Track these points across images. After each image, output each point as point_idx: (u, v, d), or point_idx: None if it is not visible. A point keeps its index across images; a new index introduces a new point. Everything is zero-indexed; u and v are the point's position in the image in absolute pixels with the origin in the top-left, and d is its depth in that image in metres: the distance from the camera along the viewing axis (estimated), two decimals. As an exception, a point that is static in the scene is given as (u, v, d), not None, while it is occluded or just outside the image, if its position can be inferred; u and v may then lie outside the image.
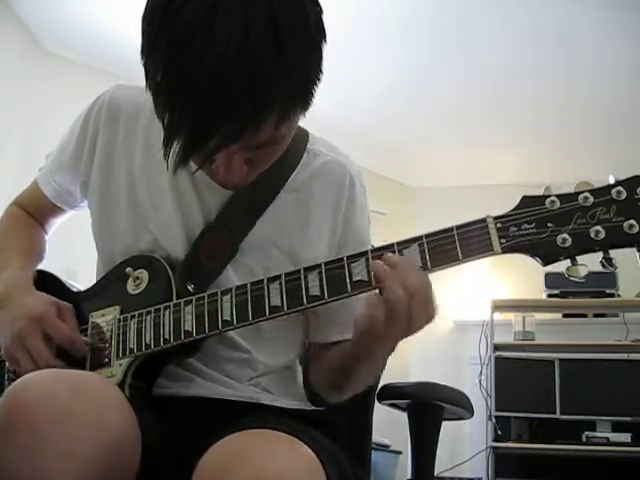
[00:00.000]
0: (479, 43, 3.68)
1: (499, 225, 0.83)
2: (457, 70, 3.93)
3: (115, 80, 1.16)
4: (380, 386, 1.47)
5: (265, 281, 0.92)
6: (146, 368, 1.00)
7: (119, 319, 1.02)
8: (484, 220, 0.83)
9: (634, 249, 0.79)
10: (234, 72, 0.75)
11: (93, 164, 1.10)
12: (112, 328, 1.02)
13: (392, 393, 1.75)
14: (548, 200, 0.82)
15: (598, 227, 0.79)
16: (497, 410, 4.15)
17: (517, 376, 4.24)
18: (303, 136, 1.08)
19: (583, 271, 0.81)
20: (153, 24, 0.79)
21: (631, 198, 0.79)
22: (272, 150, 0.89)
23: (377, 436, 3.18)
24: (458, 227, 0.84)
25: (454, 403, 1.82)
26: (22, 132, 3.66)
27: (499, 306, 4.49)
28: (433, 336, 4.98)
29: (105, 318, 1.03)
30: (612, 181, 0.80)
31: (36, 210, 1.22)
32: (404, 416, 1.89)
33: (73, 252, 2.48)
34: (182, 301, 0.97)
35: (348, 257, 0.89)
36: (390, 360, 1.40)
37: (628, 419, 4.04)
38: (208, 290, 0.98)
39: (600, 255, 0.80)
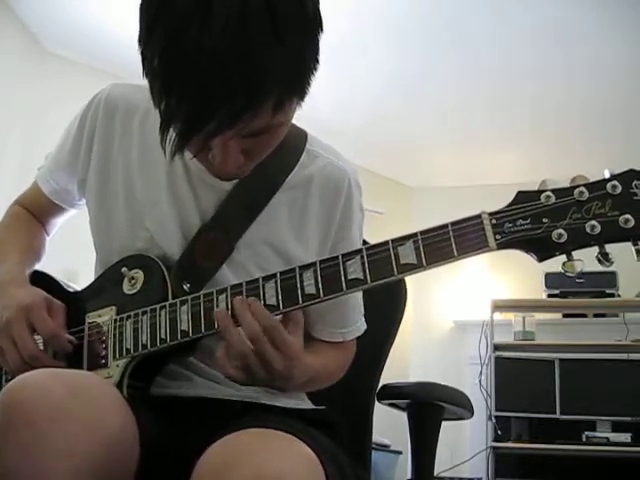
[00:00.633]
0: (476, 43, 3.69)
1: (494, 221, 0.82)
2: (455, 70, 3.94)
3: (115, 80, 1.16)
4: (380, 386, 1.47)
5: (260, 280, 0.91)
6: (143, 368, 1.00)
7: (115, 319, 1.01)
8: (479, 216, 0.83)
9: (630, 244, 0.78)
10: (231, 55, 0.75)
11: (90, 162, 1.10)
12: (108, 328, 1.01)
13: (392, 393, 1.74)
14: (543, 195, 0.81)
15: (594, 222, 0.79)
16: (497, 410, 4.15)
17: (517, 376, 4.25)
18: (302, 136, 1.08)
19: (579, 266, 0.80)
20: (150, 10, 0.79)
21: (626, 192, 0.78)
22: (268, 139, 0.89)
23: (377, 436, 3.18)
24: (453, 224, 0.83)
25: (454, 403, 1.81)
26: (22, 132, 3.67)
27: (499, 306, 4.50)
28: (433, 336, 4.99)
29: (101, 318, 1.03)
30: (607, 175, 0.80)
31: (37, 209, 1.23)
32: (404, 416, 1.88)
33: (73, 252, 2.48)
34: (178, 301, 0.96)
35: (343, 255, 0.88)
36: (390, 360, 1.41)
37: (628, 419, 4.04)
38: (204, 289, 0.98)
39: (596, 250, 0.80)
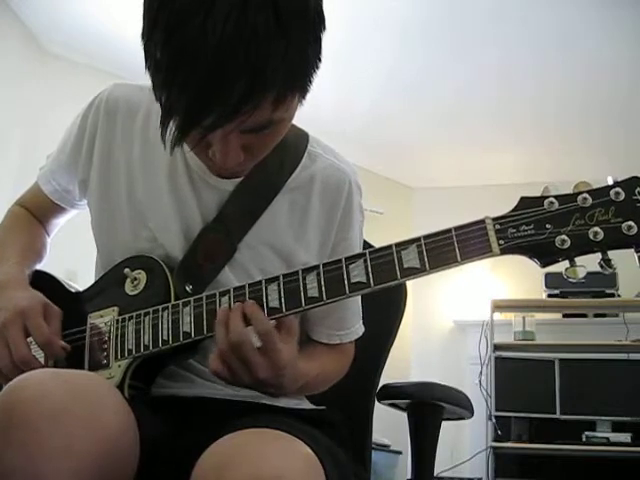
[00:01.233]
0: (476, 43, 3.68)
1: (497, 226, 0.82)
2: (455, 70, 3.93)
3: (116, 81, 1.16)
4: (380, 386, 1.47)
5: (263, 282, 0.91)
6: (145, 369, 1.00)
7: (117, 320, 1.01)
8: (483, 221, 0.83)
9: (632, 250, 0.78)
10: (233, 46, 0.75)
11: (92, 163, 1.10)
12: (110, 329, 1.01)
13: (392, 393, 1.74)
14: (547, 201, 0.81)
15: (597, 228, 0.79)
16: (497, 410, 4.15)
17: (517, 376, 4.25)
18: (303, 137, 1.08)
19: (582, 272, 0.80)
20: (154, 3, 0.79)
21: (629, 199, 0.79)
22: (269, 136, 0.89)
23: (377, 436, 3.18)
24: (456, 228, 0.83)
25: (454, 403, 1.81)
26: (22, 132, 3.66)
27: (499, 306, 4.50)
28: (433, 336, 4.99)
29: (103, 319, 1.03)
30: (610, 182, 0.80)
31: (38, 209, 1.23)
32: (404, 416, 1.88)
33: (73, 252, 2.48)
34: (180, 302, 0.96)
35: (346, 258, 0.88)
36: (390, 360, 1.41)
37: (628, 419, 4.04)
38: (206, 290, 0.98)
39: (599, 256, 0.80)
